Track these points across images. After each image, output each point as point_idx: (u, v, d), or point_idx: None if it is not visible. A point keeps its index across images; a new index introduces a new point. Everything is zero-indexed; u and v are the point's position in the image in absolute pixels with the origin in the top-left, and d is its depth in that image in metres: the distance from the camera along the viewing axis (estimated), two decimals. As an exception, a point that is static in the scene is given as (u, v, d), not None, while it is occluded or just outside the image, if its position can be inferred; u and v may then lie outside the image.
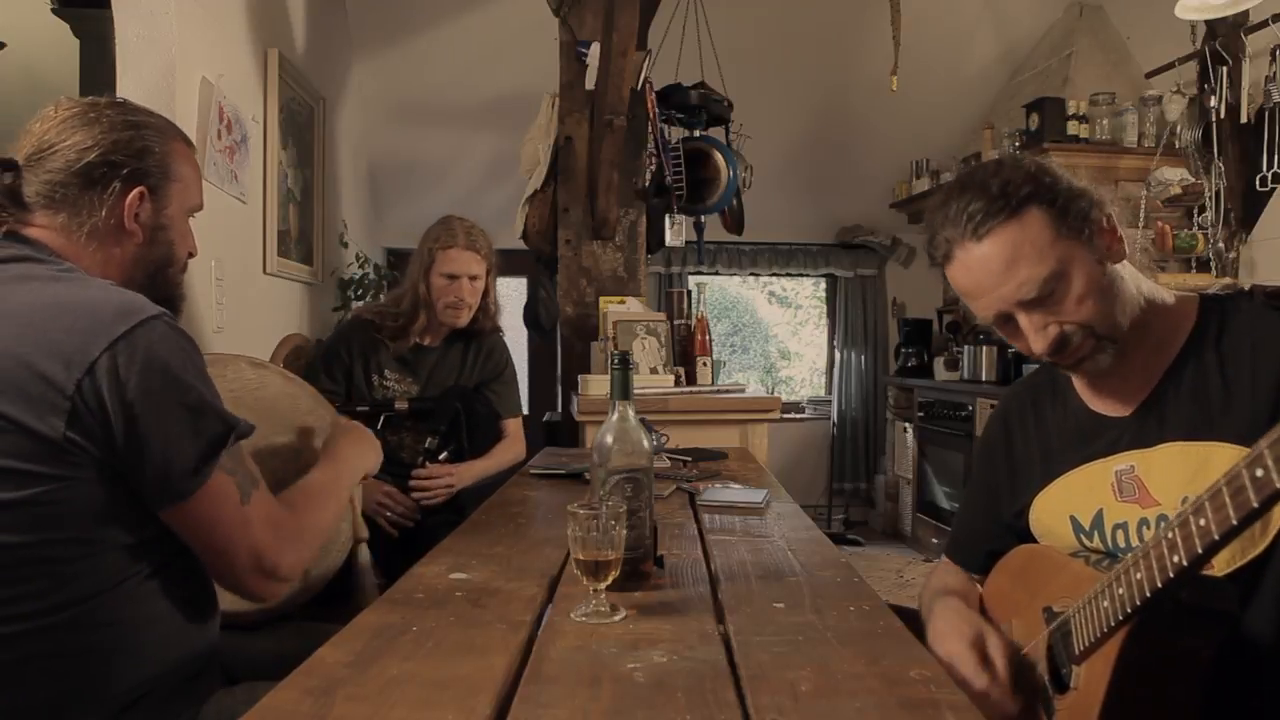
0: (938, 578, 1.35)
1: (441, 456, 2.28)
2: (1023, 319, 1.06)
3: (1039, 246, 1.02)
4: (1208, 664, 0.92)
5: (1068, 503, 1.16)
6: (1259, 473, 0.73)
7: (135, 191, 1.11)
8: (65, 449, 0.94)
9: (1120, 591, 0.89)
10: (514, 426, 2.50)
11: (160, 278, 1.17)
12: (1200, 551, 0.80)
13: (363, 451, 1.43)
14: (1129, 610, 0.89)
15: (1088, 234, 1.04)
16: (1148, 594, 0.86)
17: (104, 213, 1.09)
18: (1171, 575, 0.83)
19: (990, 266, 1.04)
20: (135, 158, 1.11)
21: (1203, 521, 0.79)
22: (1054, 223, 1.03)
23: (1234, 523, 0.76)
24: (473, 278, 2.32)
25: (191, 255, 1.24)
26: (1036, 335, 1.06)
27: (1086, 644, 0.96)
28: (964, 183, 1.08)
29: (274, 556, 1.08)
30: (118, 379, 0.95)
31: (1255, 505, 0.74)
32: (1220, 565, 1.00)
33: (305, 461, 1.38)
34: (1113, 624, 0.91)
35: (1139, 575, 0.87)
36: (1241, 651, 0.98)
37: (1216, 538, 0.78)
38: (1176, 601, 0.88)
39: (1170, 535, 0.83)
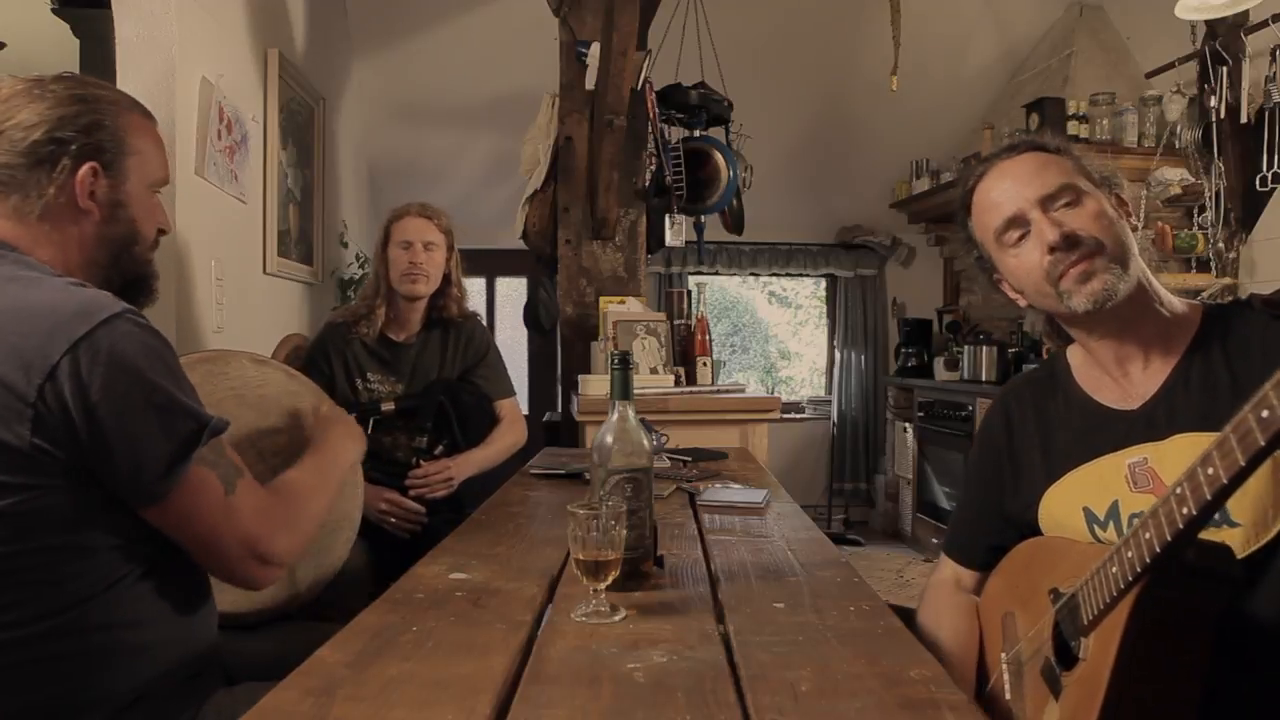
0: (934, 589, 1.34)
1: (436, 452, 2.25)
2: (1039, 217, 1.13)
3: (1066, 168, 1.16)
4: (1215, 623, 0.92)
5: (1080, 496, 1.16)
6: (1264, 414, 0.74)
7: (86, 168, 1.06)
8: (34, 457, 0.92)
9: (1129, 554, 0.90)
10: (509, 407, 2.43)
11: (125, 256, 1.13)
12: (1210, 498, 0.80)
13: (349, 444, 1.44)
14: (1139, 570, 0.89)
15: (1108, 188, 1.17)
16: (1157, 549, 0.86)
17: (54, 191, 1.04)
18: (1181, 527, 0.83)
19: (1022, 168, 1.17)
20: (84, 133, 1.06)
21: (1210, 470, 0.80)
22: (1080, 168, 1.17)
23: (1242, 464, 0.77)
24: (427, 244, 2.25)
25: (164, 232, 1.18)
26: (1050, 228, 1.11)
27: (1095, 613, 0.96)
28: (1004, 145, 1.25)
29: (266, 543, 1.07)
30: (80, 382, 0.92)
31: (1262, 444, 0.75)
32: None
33: None
34: (1122, 586, 0.91)
35: (1148, 535, 0.87)
36: (1249, 634, 0.99)
37: (1225, 481, 0.79)
38: (1182, 562, 0.88)
39: (1179, 490, 0.83)
